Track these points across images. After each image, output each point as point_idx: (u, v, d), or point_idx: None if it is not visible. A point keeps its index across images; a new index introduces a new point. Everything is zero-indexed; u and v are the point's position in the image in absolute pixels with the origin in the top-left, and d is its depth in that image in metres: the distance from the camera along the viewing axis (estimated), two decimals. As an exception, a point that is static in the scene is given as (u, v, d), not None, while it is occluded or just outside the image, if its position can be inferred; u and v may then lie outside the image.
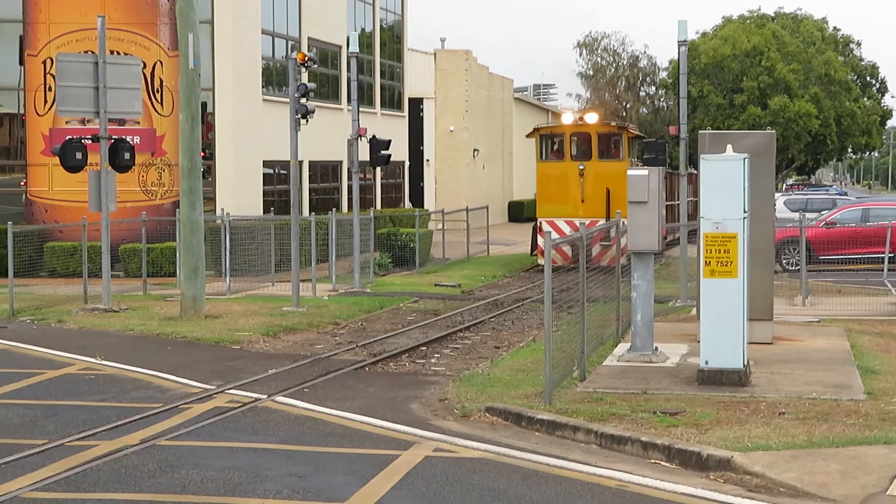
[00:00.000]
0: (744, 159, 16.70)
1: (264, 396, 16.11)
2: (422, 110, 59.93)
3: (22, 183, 37.28)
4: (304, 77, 31.87)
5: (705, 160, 16.88)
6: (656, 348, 18.67)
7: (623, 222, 21.73)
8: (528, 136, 41.51)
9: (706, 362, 16.37)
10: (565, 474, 12.23)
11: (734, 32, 79.28)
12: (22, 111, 37.35)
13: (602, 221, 34.86)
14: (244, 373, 18.14)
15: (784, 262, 33.24)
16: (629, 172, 20.48)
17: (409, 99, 57.24)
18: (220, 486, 11.47)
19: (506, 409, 15.23)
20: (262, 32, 40.10)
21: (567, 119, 39.04)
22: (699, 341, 16.70)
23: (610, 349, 19.69)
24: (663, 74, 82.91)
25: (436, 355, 20.83)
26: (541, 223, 37.06)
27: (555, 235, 32.26)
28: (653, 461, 12.93)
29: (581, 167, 36.94)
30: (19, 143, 38.12)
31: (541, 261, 35.32)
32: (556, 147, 39.08)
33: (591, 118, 38.16)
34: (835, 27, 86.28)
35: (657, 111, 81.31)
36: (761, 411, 14.65)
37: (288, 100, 27.47)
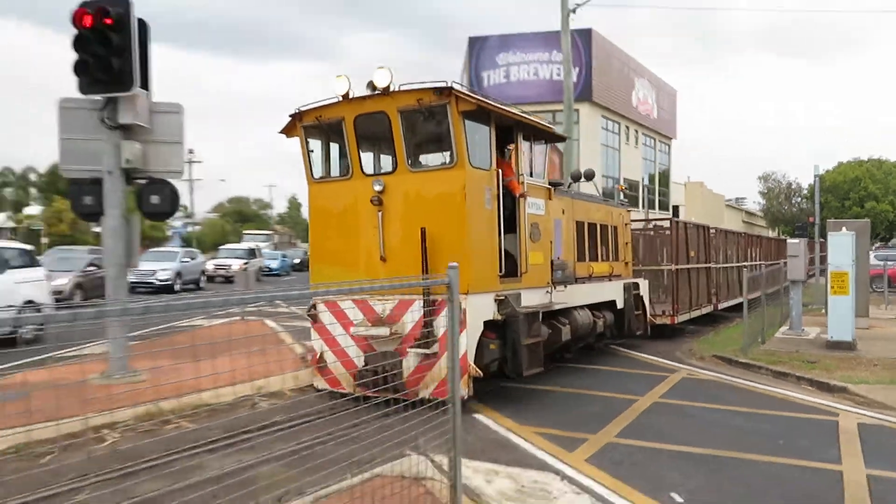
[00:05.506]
0: (853, 235, 20.05)
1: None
2: (678, 213, 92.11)
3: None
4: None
5: (831, 235, 20.14)
6: (803, 329, 22.69)
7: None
8: (283, 131, 17.05)
9: (831, 337, 19.79)
10: (752, 388, 15.48)
11: (844, 169, 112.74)
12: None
13: (420, 301, 14.94)
14: None
15: (875, 287, 41.15)
16: (789, 241, 22.06)
17: (672, 206, 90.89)
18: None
19: (723, 355, 19.35)
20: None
21: (340, 86, 15.96)
22: (827, 326, 20.14)
23: (777, 328, 24.01)
24: (805, 191, 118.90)
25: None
26: (314, 307, 16.53)
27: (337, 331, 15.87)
28: (802, 386, 15.88)
29: (378, 188, 15.80)
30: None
31: (318, 383, 16.33)
32: (334, 150, 17.14)
33: (382, 78, 15.43)
34: None
35: (802, 210, 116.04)
36: (863, 363, 17.58)
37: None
